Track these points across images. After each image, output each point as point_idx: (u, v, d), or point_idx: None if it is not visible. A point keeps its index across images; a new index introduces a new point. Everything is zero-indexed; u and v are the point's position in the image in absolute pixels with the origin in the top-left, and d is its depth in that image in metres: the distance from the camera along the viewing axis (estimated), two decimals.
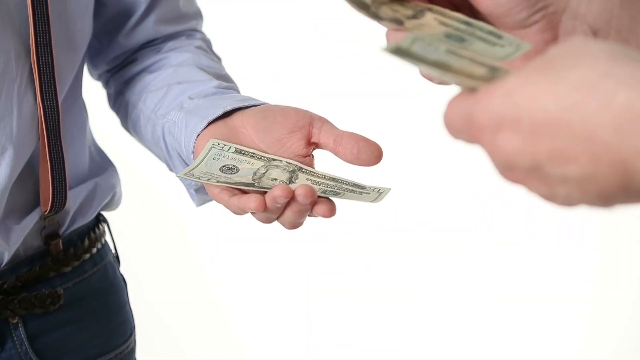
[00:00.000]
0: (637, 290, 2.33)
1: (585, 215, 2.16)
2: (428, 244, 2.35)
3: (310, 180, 0.75)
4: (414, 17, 0.64)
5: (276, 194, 0.71)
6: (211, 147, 0.77)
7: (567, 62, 0.46)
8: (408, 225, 2.32)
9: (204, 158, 0.76)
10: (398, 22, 0.63)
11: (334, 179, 0.75)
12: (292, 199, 0.71)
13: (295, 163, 0.76)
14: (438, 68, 0.50)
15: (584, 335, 2.33)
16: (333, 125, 0.78)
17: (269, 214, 0.73)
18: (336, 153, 0.76)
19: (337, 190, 0.74)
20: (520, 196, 0.51)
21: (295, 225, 0.74)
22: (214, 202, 0.93)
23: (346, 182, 0.75)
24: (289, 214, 0.73)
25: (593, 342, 2.32)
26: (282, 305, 2.36)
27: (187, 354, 2.35)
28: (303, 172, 0.75)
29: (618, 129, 0.43)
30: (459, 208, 2.36)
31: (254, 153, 0.77)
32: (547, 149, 0.46)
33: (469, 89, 0.50)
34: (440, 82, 0.66)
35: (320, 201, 0.72)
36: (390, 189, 0.74)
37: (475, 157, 0.52)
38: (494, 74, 0.50)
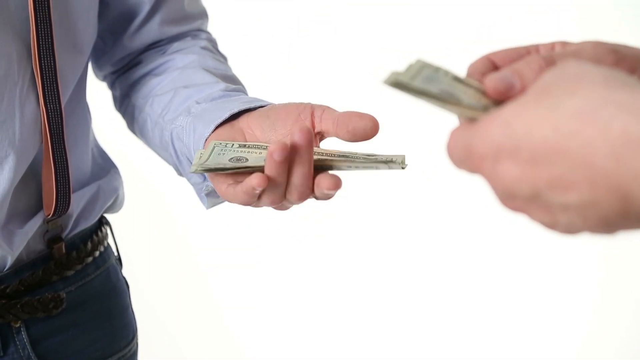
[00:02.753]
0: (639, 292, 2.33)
1: None
2: (429, 246, 2.35)
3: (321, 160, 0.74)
4: None
5: (271, 150, 0.70)
6: (214, 146, 0.76)
7: (564, 89, 0.47)
8: (407, 226, 2.32)
9: (209, 156, 0.75)
10: None
11: (344, 156, 0.73)
12: (294, 153, 0.70)
13: None
14: (438, 101, 0.52)
15: (585, 338, 2.32)
16: (333, 110, 0.76)
17: (274, 188, 0.72)
18: (337, 136, 0.75)
19: (351, 166, 0.73)
20: None
21: (304, 191, 0.72)
22: (216, 206, 0.93)
23: (356, 156, 0.73)
24: (296, 172, 0.71)
25: (595, 345, 2.32)
26: (284, 309, 2.36)
27: (188, 357, 2.35)
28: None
29: (616, 155, 0.44)
30: (460, 210, 2.36)
31: (257, 145, 0.76)
32: (547, 176, 0.46)
33: (469, 120, 0.51)
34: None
35: (324, 175, 0.72)
36: (404, 155, 0.73)
37: None
38: (492, 104, 0.52)
